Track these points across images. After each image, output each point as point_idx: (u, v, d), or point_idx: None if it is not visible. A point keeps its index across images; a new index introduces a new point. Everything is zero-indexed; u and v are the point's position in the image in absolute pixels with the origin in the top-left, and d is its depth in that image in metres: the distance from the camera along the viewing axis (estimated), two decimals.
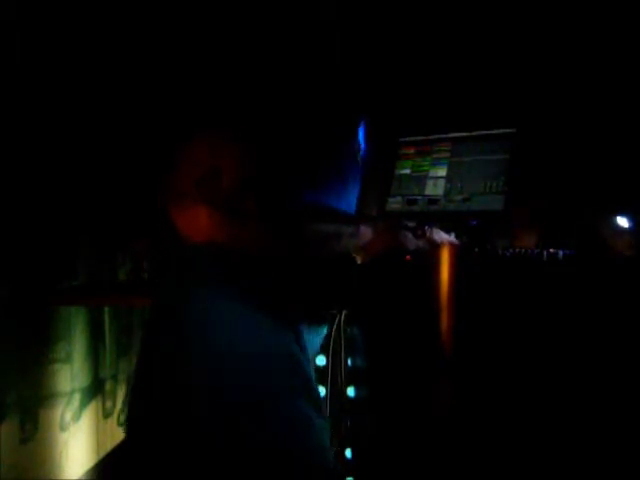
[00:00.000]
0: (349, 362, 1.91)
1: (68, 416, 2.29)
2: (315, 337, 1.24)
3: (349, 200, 1.26)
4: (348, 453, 1.90)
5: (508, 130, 1.75)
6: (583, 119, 1.93)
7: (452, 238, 1.38)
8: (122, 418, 2.71)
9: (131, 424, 1.20)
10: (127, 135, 2.22)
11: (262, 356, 1.11)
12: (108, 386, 2.61)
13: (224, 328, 1.10)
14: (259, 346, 1.12)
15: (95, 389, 2.50)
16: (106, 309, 2.57)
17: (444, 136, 1.87)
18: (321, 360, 1.99)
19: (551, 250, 1.43)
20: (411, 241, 1.27)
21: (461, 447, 1.34)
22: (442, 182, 1.80)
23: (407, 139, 1.94)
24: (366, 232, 1.23)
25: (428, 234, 1.28)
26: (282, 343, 1.14)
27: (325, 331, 1.32)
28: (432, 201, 1.81)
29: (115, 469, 2.37)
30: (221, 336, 1.10)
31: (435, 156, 1.86)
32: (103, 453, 2.53)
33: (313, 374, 1.21)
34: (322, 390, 2.01)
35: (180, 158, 1.13)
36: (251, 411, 1.09)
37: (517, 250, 1.46)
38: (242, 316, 1.11)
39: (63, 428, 2.26)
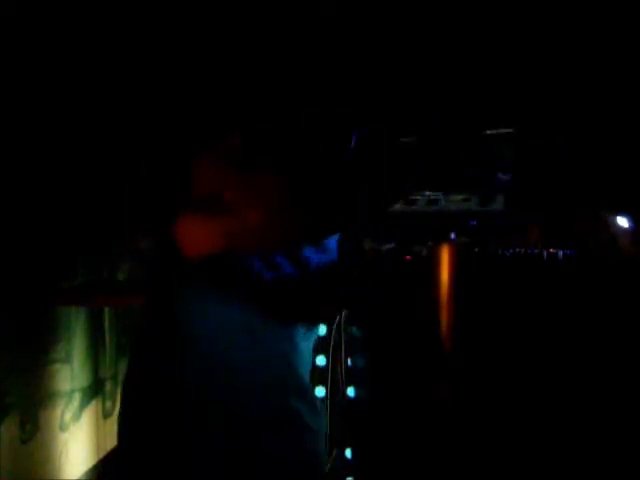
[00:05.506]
0: (349, 362, 1.91)
1: (68, 416, 2.29)
2: (310, 337, 1.24)
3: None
4: (348, 453, 1.90)
5: (508, 130, 1.74)
6: (583, 119, 1.94)
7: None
8: None
9: (122, 424, 1.21)
10: (133, 139, 2.22)
11: (253, 356, 1.12)
12: (108, 386, 2.61)
13: (213, 328, 1.11)
14: (249, 346, 1.12)
15: (95, 389, 2.50)
16: (106, 309, 2.57)
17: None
18: (321, 360, 1.99)
19: (551, 250, 1.43)
20: None
21: (461, 446, 1.34)
22: None
23: (407, 139, 1.94)
24: None
25: None
26: (274, 343, 1.14)
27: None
28: (432, 201, 1.81)
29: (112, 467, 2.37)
30: (210, 336, 1.11)
31: None
32: (103, 453, 2.53)
33: (306, 375, 1.20)
34: (322, 390, 2.01)
35: (191, 173, 1.12)
36: (240, 411, 1.10)
37: (517, 250, 1.46)
38: (231, 315, 1.11)
39: (63, 428, 2.26)
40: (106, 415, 2.59)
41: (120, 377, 2.70)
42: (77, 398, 2.35)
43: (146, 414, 1.14)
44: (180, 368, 1.11)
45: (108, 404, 2.61)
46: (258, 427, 1.10)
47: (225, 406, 1.10)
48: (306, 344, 1.22)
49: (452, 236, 1.41)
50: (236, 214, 1.08)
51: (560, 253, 1.42)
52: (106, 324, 2.58)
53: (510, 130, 1.70)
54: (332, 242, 1.23)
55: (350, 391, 1.91)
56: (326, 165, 1.13)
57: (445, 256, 1.32)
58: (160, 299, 1.17)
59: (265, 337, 1.13)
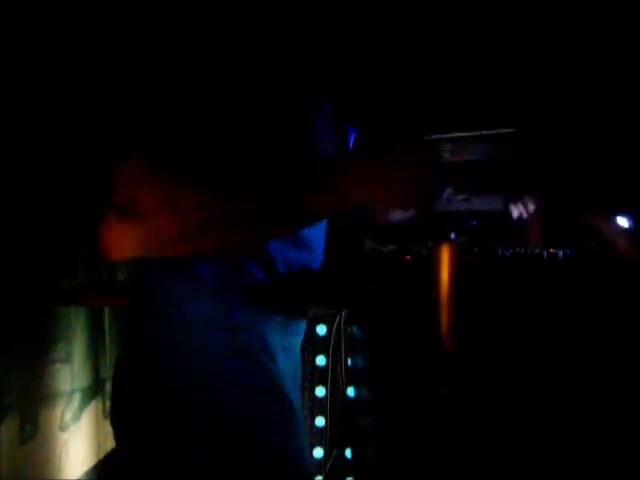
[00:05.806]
0: (349, 362, 1.91)
1: (68, 416, 2.29)
2: (291, 335, 1.23)
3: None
4: (348, 453, 1.90)
5: (508, 130, 1.74)
6: (583, 119, 1.94)
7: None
8: None
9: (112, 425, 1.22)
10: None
11: (217, 356, 1.11)
12: (108, 386, 2.61)
13: (179, 329, 1.11)
14: (214, 346, 1.11)
15: (95, 389, 2.50)
16: (106, 309, 2.57)
17: (444, 136, 1.87)
18: (321, 360, 1.99)
19: (551, 250, 1.43)
20: None
21: (461, 446, 1.34)
22: None
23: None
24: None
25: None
26: (239, 342, 1.13)
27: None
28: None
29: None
30: (177, 336, 1.11)
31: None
32: (103, 453, 2.53)
33: (282, 373, 1.19)
34: (322, 390, 2.01)
35: (114, 178, 1.11)
36: (210, 413, 1.10)
37: (517, 250, 1.46)
38: (195, 316, 1.11)
39: (63, 428, 2.26)
40: (106, 415, 2.59)
41: None
42: (77, 398, 2.35)
43: (134, 417, 1.14)
44: (165, 370, 1.11)
45: (108, 404, 2.61)
46: (242, 429, 1.11)
47: (211, 407, 1.10)
48: (289, 341, 1.21)
49: (452, 236, 1.41)
50: (150, 222, 1.06)
51: (560, 253, 1.42)
52: (106, 324, 2.58)
53: (510, 130, 1.70)
54: (314, 237, 1.22)
55: (350, 391, 1.91)
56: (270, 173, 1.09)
57: (445, 256, 1.32)
58: (141, 299, 1.17)
59: (246, 339, 1.13)
